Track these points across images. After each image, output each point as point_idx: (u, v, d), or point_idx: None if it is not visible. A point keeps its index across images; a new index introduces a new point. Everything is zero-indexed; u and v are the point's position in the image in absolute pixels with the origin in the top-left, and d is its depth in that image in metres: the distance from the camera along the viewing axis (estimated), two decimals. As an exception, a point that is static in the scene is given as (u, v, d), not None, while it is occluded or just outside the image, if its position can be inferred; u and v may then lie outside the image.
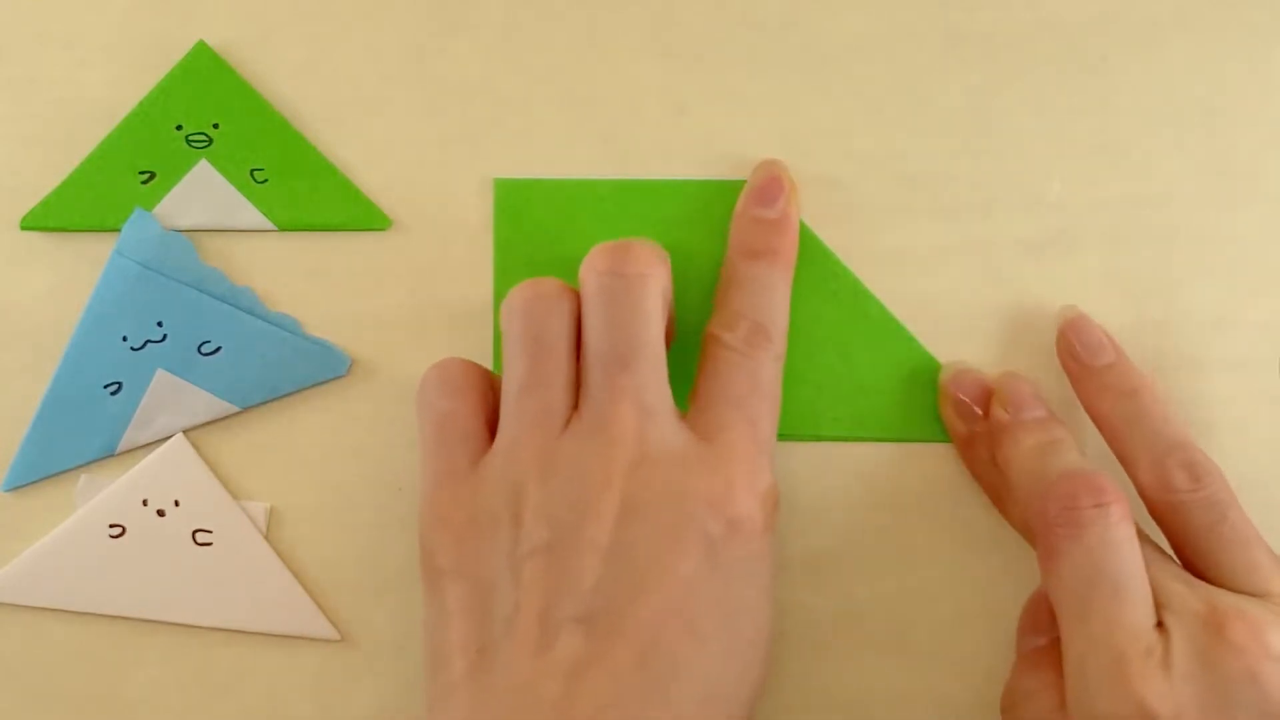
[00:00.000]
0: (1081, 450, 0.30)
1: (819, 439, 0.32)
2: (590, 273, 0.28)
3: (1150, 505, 0.28)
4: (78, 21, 0.33)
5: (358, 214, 0.32)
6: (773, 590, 0.28)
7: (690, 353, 0.30)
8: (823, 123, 0.33)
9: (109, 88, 0.32)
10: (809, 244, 0.32)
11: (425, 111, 0.33)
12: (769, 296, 0.30)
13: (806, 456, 0.32)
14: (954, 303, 0.32)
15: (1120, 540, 0.26)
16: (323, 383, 0.32)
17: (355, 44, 0.33)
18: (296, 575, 0.31)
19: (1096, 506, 0.27)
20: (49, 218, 0.32)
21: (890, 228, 0.32)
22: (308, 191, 0.32)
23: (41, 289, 0.32)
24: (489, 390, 0.29)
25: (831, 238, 0.32)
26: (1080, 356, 0.30)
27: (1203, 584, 0.27)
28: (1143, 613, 0.26)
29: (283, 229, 0.32)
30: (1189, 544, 0.28)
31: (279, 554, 0.31)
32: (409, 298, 0.32)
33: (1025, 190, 0.33)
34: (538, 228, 0.32)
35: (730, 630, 0.26)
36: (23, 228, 0.32)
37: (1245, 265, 0.32)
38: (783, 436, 0.31)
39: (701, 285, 0.32)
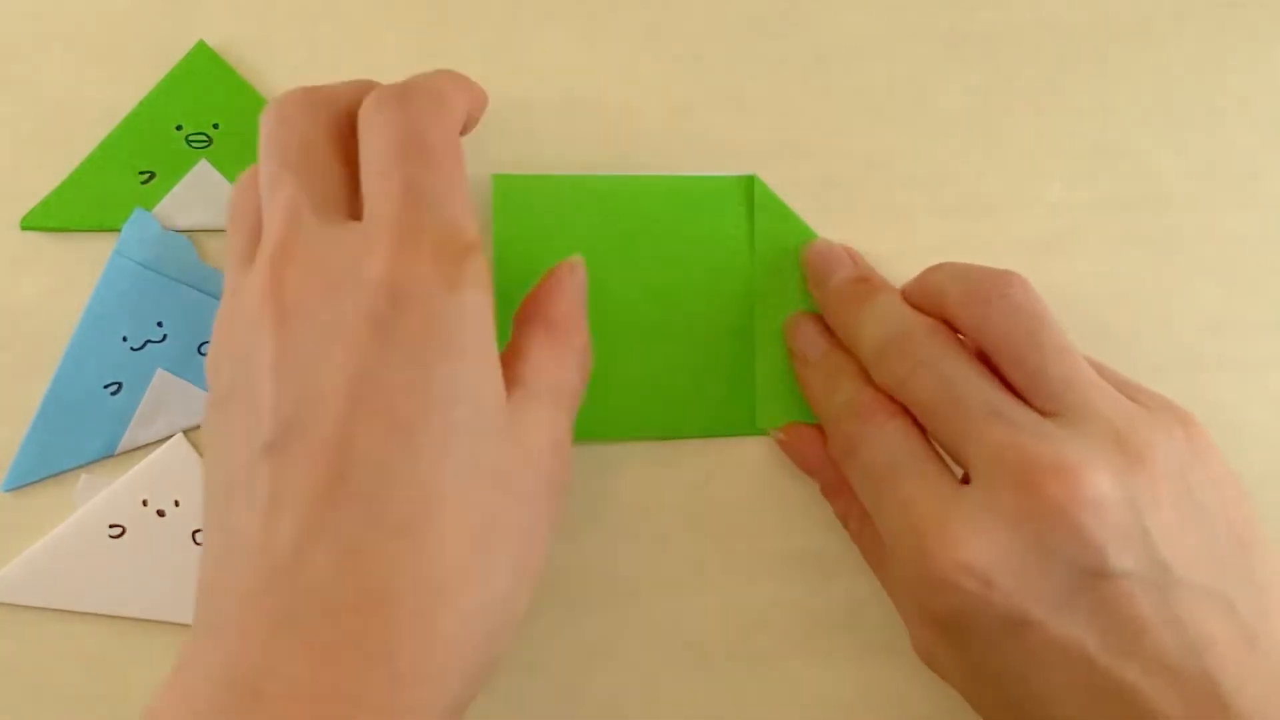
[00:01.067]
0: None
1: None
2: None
3: (969, 335, 0.27)
4: (78, 21, 0.33)
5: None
6: (517, 432, 0.24)
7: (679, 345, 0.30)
8: (823, 123, 0.33)
9: (109, 88, 0.32)
10: (804, 237, 0.32)
11: (425, 111, 0.33)
12: None
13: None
14: (954, 303, 0.32)
15: (891, 435, 0.27)
16: (323, 383, 0.32)
17: (355, 44, 0.33)
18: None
19: (864, 426, 0.28)
20: (49, 218, 0.32)
21: (890, 228, 0.32)
22: (308, 191, 0.32)
23: (41, 289, 0.32)
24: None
25: (831, 238, 0.32)
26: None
27: (1016, 424, 0.25)
28: (932, 481, 0.26)
29: (283, 229, 0.32)
30: (1012, 355, 0.26)
31: (279, 554, 0.31)
32: (409, 298, 0.32)
33: (1025, 190, 0.33)
34: (536, 223, 0.32)
35: (444, 416, 0.23)
36: (23, 228, 0.32)
37: (1245, 265, 0.32)
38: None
39: (701, 280, 0.32)
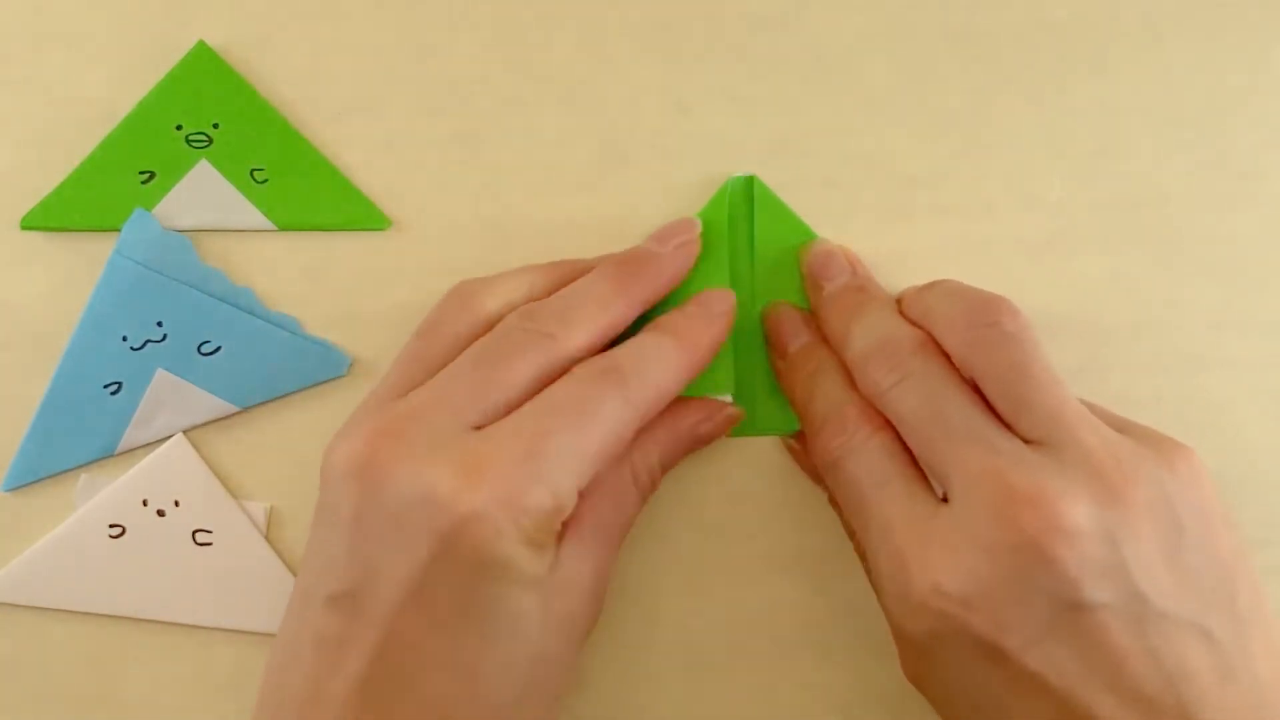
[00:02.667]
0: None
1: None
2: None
3: (957, 358, 0.27)
4: (78, 21, 0.33)
5: (358, 214, 0.32)
6: (542, 617, 0.26)
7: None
8: (823, 123, 0.33)
9: (109, 88, 0.32)
10: (808, 239, 0.32)
11: (425, 111, 0.33)
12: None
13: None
14: (954, 303, 0.32)
15: (874, 453, 0.27)
16: (323, 383, 0.32)
17: (355, 44, 0.33)
18: (296, 575, 0.31)
19: (847, 440, 0.28)
20: (49, 218, 0.32)
21: (890, 228, 0.32)
22: (308, 191, 0.32)
23: (41, 289, 0.32)
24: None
25: (831, 237, 0.32)
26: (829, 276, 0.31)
27: (996, 449, 0.25)
28: (911, 503, 0.26)
29: (283, 229, 0.32)
30: (1001, 384, 0.26)
31: (279, 554, 0.31)
32: (409, 298, 0.32)
33: (1025, 190, 0.33)
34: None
35: (484, 624, 0.25)
36: (23, 228, 0.32)
37: (1245, 265, 0.32)
38: (781, 432, 0.31)
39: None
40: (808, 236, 0.32)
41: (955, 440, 0.25)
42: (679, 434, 0.30)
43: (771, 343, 0.31)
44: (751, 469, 0.32)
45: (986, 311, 0.27)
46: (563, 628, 0.26)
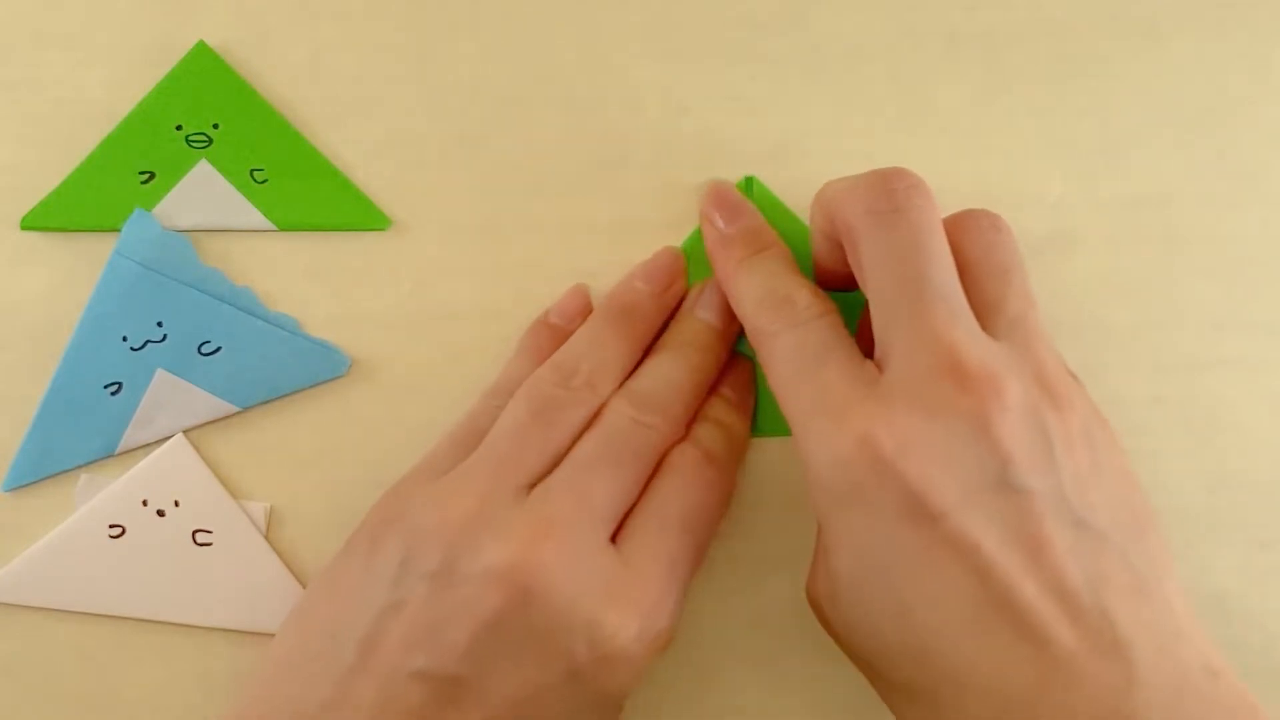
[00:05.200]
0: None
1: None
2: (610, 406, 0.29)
3: (956, 234, 0.27)
4: (78, 21, 0.33)
5: (358, 214, 0.32)
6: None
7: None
8: (823, 123, 0.33)
9: (109, 88, 0.32)
10: (804, 237, 0.32)
11: (425, 111, 0.33)
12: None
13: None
14: (954, 303, 0.32)
15: (822, 329, 0.27)
16: (323, 383, 0.32)
17: (355, 44, 0.33)
18: (296, 575, 0.31)
19: (795, 315, 0.27)
20: (49, 218, 0.32)
21: (890, 228, 0.32)
22: (308, 191, 0.32)
23: (41, 289, 0.32)
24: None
25: (831, 238, 0.32)
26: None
27: (959, 319, 0.25)
28: (853, 369, 0.26)
29: (283, 229, 0.32)
30: (980, 276, 0.27)
31: (279, 554, 0.31)
32: (409, 298, 0.32)
33: (1025, 190, 0.33)
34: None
35: (536, 708, 0.26)
36: (23, 228, 0.32)
37: (1245, 265, 0.32)
38: (782, 432, 0.32)
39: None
40: (808, 238, 0.32)
41: (925, 296, 0.25)
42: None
43: (714, 211, 0.31)
44: (752, 469, 0.32)
45: (989, 216, 0.28)
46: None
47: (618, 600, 0.26)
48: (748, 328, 0.28)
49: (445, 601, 0.26)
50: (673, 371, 0.30)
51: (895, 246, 0.26)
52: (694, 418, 0.30)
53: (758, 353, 0.28)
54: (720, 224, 0.31)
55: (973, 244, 0.27)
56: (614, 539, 0.27)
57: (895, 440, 0.24)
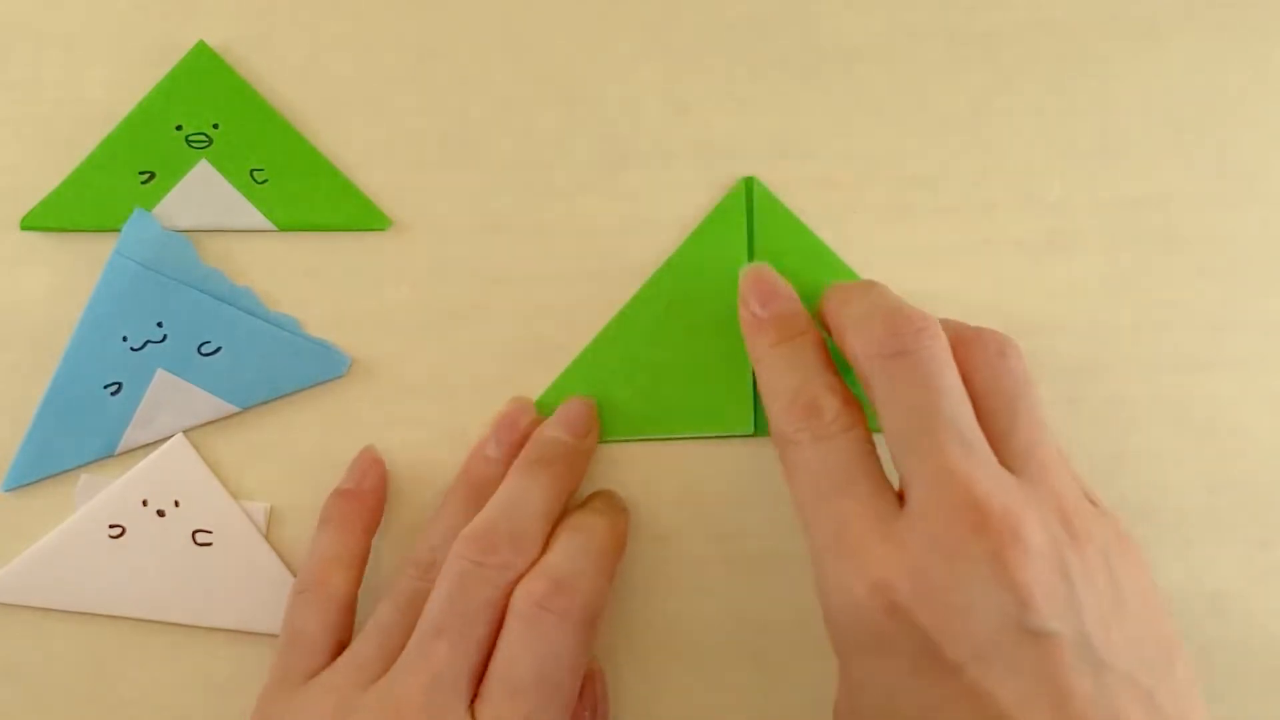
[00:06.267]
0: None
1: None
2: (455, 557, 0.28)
3: (964, 365, 0.27)
4: (78, 22, 0.33)
5: (358, 214, 0.32)
6: None
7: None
8: (823, 123, 0.33)
9: (109, 88, 0.32)
10: (806, 240, 0.32)
11: (425, 111, 0.33)
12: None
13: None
14: (954, 303, 0.32)
15: (847, 448, 0.26)
16: (323, 383, 0.32)
17: (355, 44, 0.33)
18: (296, 575, 0.31)
19: (822, 427, 0.26)
20: (49, 218, 0.32)
21: (890, 228, 0.32)
22: (308, 191, 0.32)
23: (41, 289, 0.32)
24: (346, 608, 0.30)
25: (832, 237, 0.32)
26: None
27: (977, 457, 0.25)
28: (872, 501, 0.25)
29: (283, 229, 0.32)
30: (991, 408, 0.26)
31: (279, 554, 0.31)
32: (409, 298, 0.32)
33: (1025, 190, 0.33)
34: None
35: None
36: (23, 228, 0.32)
37: (1245, 265, 0.32)
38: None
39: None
40: (808, 238, 0.32)
41: (941, 435, 0.25)
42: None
43: (744, 299, 0.30)
44: (752, 469, 0.32)
45: (1002, 344, 0.27)
46: None
47: None
48: (773, 426, 0.28)
49: None
50: (518, 494, 0.29)
51: (907, 386, 0.26)
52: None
53: (780, 454, 0.27)
54: (755, 308, 0.30)
55: (981, 373, 0.26)
56: (476, 698, 0.27)
57: (912, 587, 0.23)
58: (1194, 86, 0.33)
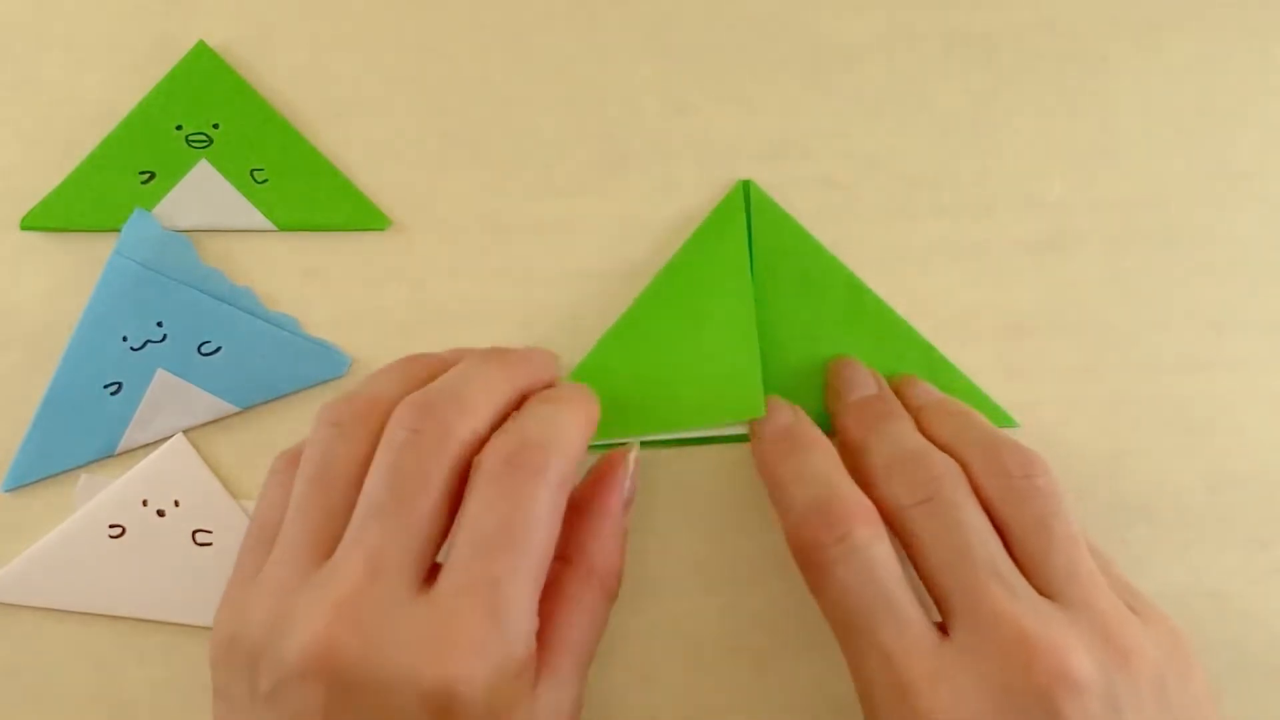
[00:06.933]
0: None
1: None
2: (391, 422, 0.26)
3: (984, 500, 0.27)
4: (78, 21, 0.33)
5: (358, 214, 0.32)
6: None
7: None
8: (823, 123, 0.33)
9: (109, 88, 0.32)
10: (804, 243, 0.32)
11: (425, 111, 0.33)
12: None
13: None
14: (954, 303, 0.32)
15: (871, 565, 0.26)
16: (323, 383, 0.32)
17: (355, 44, 0.33)
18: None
19: (839, 542, 0.26)
20: (49, 218, 0.32)
21: (890, 228, 0.32)
22: (308, 191, 0.32)
23: (41, 289, 0.32)
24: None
25: (831, 238, 0.32)
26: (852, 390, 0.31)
27: (1016, 593, 0.25)
28: (913, 633, 0.25)
29: (283, 229, 0.32)
30: (1023, 537, 0.26)
31: (279, 554, 0.31)
32: (409, 298, 0.32)
33: (1025, 190, 0.33)
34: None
35: None
36: (23, 228, 0.32)
37: (1245, 265, 0.32)
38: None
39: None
40: (805, 241, 0.32)
41: (978, 574, 0.25)
42: (616, 515, 0.29)
43: (761, 421, 0.30)
44: (751, 469, 0.32)
45: (1023, 464, 0.27)
46: None
47: (430, 649, 0.23)
48: (790, 538, 0.28)
49: (293, 718, 0.23)
50: (466, 369, 0.27)
51: (933, 534, 0.26)
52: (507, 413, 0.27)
53: (802, 570, 0.27)
54: (761, 423, 0.30)
55: (1009, 502, 0.27)
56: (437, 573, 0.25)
57: None
58: (1194, 86, 0.33)
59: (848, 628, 0.26)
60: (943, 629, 0.26)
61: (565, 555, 0.27)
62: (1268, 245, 0.32)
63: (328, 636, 0.23)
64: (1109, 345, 0.32)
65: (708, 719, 0.31)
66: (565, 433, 0.26)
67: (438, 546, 0.25)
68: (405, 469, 0.25)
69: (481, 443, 0.26)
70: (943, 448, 0.28)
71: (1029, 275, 0.32)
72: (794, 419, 0.30)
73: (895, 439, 0.28)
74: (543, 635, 0.25)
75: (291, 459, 0.28)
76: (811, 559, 0.27)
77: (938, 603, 0.26)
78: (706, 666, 0.31)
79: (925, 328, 0.32)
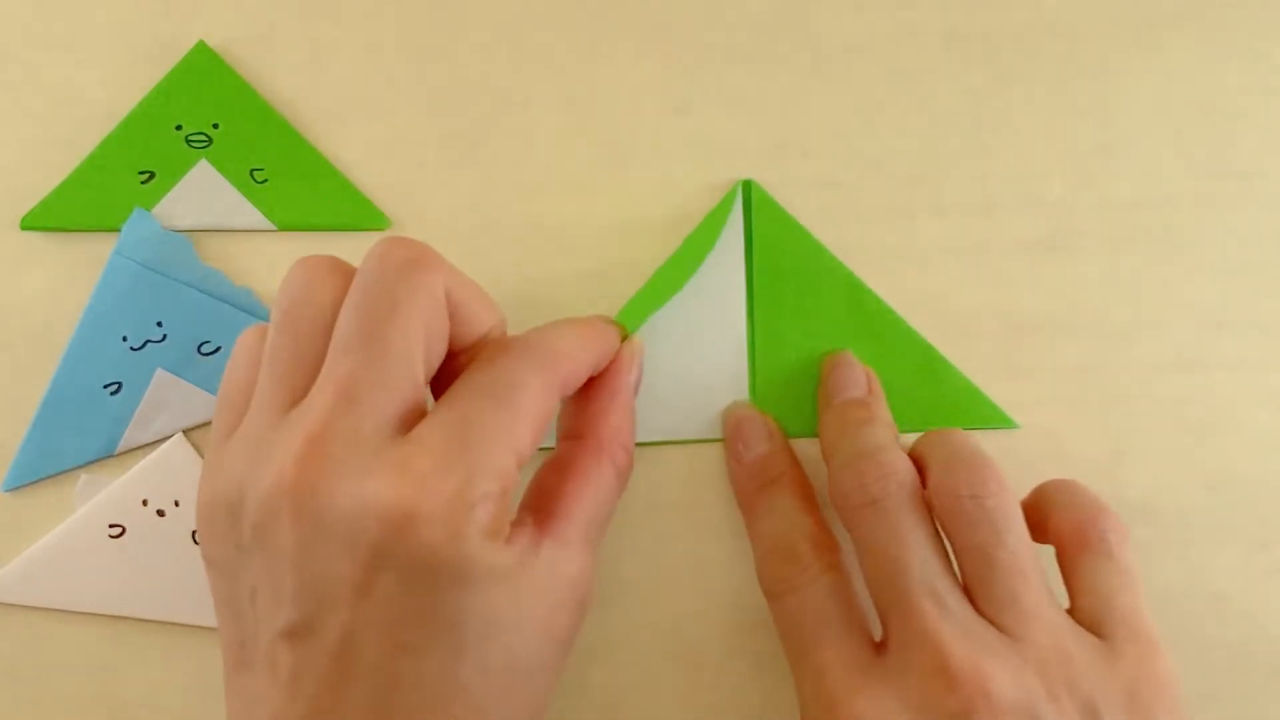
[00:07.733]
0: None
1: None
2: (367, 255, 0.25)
3: (936, 510, 0.27)
4: (78, 21, 0.33)
5: (358, 214, 0.32)
6: (516, 619, 0.24)
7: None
8: (823, 123, 0.33)
9: (109, 88, 0.32)
10: (805, 243, 0.32)
11: (425, 111, 0.33)
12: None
13: (806, 453, 0.32)
14: (954, 303, 0.32)
15: (820, 593, 0.27)
16: (323, 383, 0.32)
17: (355, 44, 0.33)
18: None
19: (798, 575, 0.27)
20: (49, 218, 0.32)
21: (890, 228, 0.32)
22: (308, 191, 0.32)
23: (41, 289, 0.32)
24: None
25: (831, 238, 0.32)
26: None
27: (949, 613, 0.25)
28: (849, 650, 0.26)
29: (283, 229, 0.32)
30: (966, 560, 0.26)
31: (279, 554, 0.31)
32: (409, 298, 0.32)
33: (1025, 190, 0.33)
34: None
35: (451, 636, 0.23)
36: (23, 228, 0.32)
37: (1244, 265, 0.32)
38: (790, 436, 0.31)
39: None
40: (806, 241, 0.32)
41: (910, 590, 0.25)
42: (626, 395, 0.29)
43: (732, 441, 0.31)
44: (751, 469, 0.32)
45: (972, 483, 0.26)
46: (544, 630, 0.24)
47: (397, 474, 0.23)
48: (757, 571, 0.29)
49: (271, 557, 0.23)
50: (558, 330, 0.27)
51: (876, 538, 0.26)
52: None
53: (765, 599, 0.29)
54: (740, 454, 0.31)
55: (956, 520, 0.26)
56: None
57: None
58: (1194, 86, 0.33)
59: (795, 650, 0.27)
60: (884, 645, 0.26)
61: (577, 432, 0.28)
62: (1268, 245, 0.32)
63: (295, 470, 0.23)
64: (1109, 345, 0.32)
65: (708, 719, 0.31)
66: (569, 341, 0.27)
67: (416, 384, 0.24)
68: (373, 297, 0.24)
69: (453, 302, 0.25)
70: (911, 456, 0.28)
71: (1029, 275, 0.32)
72: (769, 448, 0.30)
73: (864, 439, 0.28)
74: (550, 504, 0.26)
75: (260, 330, 0.27)
76: (773, 590, 0.28)
77: (879, 615, 0.26)
78: (706, 667, 0.31)
79: (925, 328, 0.32)
